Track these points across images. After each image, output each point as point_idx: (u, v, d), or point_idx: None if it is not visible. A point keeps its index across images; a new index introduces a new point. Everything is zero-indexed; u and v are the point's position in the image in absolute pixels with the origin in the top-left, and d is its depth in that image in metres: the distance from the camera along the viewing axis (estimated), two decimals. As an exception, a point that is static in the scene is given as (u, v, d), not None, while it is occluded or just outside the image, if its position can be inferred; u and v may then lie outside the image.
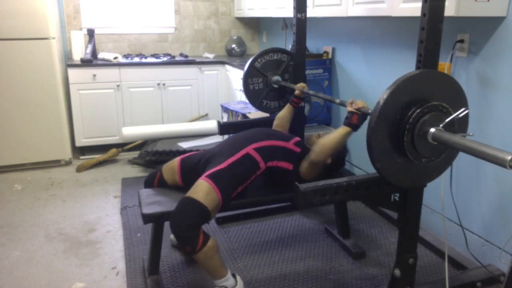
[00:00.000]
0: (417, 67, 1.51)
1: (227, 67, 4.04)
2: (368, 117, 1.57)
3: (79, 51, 3.95)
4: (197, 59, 4.16)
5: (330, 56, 3.23)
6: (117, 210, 2.82)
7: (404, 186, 1.55)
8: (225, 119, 3.46)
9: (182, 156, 2.14)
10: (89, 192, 3.11)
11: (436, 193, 2.26)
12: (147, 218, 1.85)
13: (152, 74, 3.90)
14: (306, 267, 2.15)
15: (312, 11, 2.89)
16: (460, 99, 1.47)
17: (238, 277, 1.87)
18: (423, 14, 1.46)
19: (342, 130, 1.83)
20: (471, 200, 2.16)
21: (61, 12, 4.06)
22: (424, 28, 1.46)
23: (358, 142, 2.12)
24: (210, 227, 2.55)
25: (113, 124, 3.87)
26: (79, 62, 3.76)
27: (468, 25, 2.06)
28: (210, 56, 4.43)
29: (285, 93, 2.71)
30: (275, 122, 2.45)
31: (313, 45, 3.51)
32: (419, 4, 1.49)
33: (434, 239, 2.33)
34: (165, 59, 4.07)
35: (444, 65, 2.12)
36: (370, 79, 2.84)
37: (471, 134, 1.39)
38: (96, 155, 3.76)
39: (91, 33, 4.01)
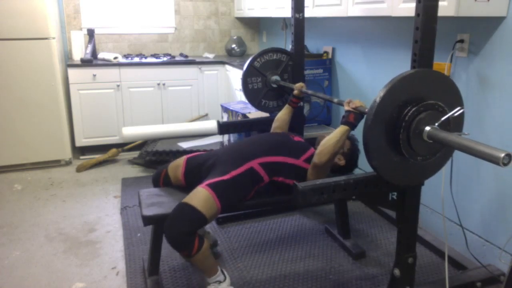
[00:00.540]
0: (412, 67, 1.52)
1: (227, 67, 4.04)
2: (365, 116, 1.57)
3: (79, 51, 3.95)
4: (197, 59, 4.16)
5: (330, 56, 3.23)
6: (117, 210, 2.82)
7: (400, 184, 1.55)
8: (225, 119, 3.46)
9: (189, 155, 2.14)
10: (89, 192, 3.11)
11: (436, 193, 2.26)
12: (147, 220, 1.85)
13: (152, 74, 3.90)
14: (306, 267, 2.15)
15: (312, 11, 2.89)
16: (455, 99, 1.47)
17: (225, 272, 1.90)
18: (417, 14, 1.46)
19: (340, 129, 1.83)
20: (471, 200, 2.16)
21: (61, 12, 4.06)
22: (418, 28, 1.47)
23: (359, 141, 2.12)
24: (210, 227, 2.55)
25: (113, 124, 3.87)
26: (79, 62, 3.76)
27: (468, 25, 2.06)
28: (210, 56, 4.44)
29: (284, 93, 2.72)
30: (274, 124, 2.43)
31: (313, 45, 3.51)
32: (419, 4, 1.49)
33: (434, 239, 2.33)
34: (165, 59, 4.07)
35: (444, 65, 2.12)
36: (370, 79, 2.84)
37: (466, 133, 1.40)
38: (96, 155, 3.77)
39: (91, 33, 4.01)
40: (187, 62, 4.06)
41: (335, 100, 2.10)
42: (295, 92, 2.41)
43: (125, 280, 2.06)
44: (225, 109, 3.43)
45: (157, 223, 1.90)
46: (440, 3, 1.49)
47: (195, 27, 4.62)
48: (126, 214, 2.73)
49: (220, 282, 1.83)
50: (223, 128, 2.63)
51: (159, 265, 2.00)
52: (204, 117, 4.15)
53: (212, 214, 1.77)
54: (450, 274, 1.92)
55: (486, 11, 1.83)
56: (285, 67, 2.70)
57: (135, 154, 3.79)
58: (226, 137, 3.45)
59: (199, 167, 2.01)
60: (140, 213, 1.89)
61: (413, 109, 1.36)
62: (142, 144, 3.78)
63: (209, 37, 4.71)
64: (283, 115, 2.43)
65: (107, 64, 3.77)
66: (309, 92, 2.41)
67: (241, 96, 3.60)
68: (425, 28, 1.46)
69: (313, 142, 2.15)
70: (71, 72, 3.66)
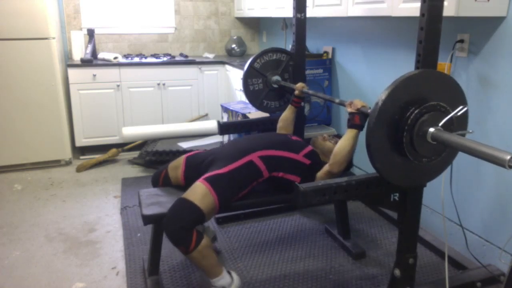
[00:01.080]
0: (416, 67, 1.51)
1: (227, 67, 4.04)
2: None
3: (79, 51, 3.95)
4: (197, 59, 4.16)
5: (330, 56, 3.23)
6: (117, 210, 2.82)
7: (404, 186, 1.55)
8: (225, 119, 3.46)
9: (188, 154, 2.13)
10: (89, 192, 3.11)
11: (436, 193, 2.26)
12: (147, 219, 1.85)
13: (152, 74, 3.90)
14: (306, 267, 2.15)
15: (312, 11, 2.89)
16: (459, 99, 1.47)
17: (234, 274, 1.87)
18: (422, 14, 1.46)
19: (349, 133, 1.82)
20: (471, 200, 2.16)
21: (61, 12, 4.06)
22: (423, 28, 1.46)
23: (358, 142, 2.12)
24: (210, 227, 2.54)
25: (113, 124, 3.87)
26: (79, 62, 3.76)
27: (468, 25, 2.06)
28: (210, 56, 4.44)
29: (285, 93, 2.71)
30: (279, 125, 2.44)
31: (313, 45, 3.51)
32: (419, 4, 1.49)
33: (434, 239, 2.33)
34: (165, 59, 4.07)
35: (444, 65, 2.12)
36: (370, 79, 2.84)
37: (470, 131, 1.39)
38: (96, 155, 3.76)
39: (91, 33, 4.01)
40: (187, 62, 4.06)
41: (337, 100, 2.10)
42: (296, 92, 2.41)
43: (125, 280, 2.06)
44: (225, 109, 3.43)
45: (157, 222, 1.90)
46: (441, 3, 1.49)
47: (195, 27, 4.62)
48: (126, 214, 2.73)
49: (223, 286, 1.80)
50: (223, 128, 2.63)
51: (159, 265, 2.00)
52: (204, 117, 4.15)
53: (209, 208, 1.76)
54: (450, 274, 1.92)
55: (486, 11, 1.83)
56: (285, 66, 2.70)
57: (135, 154, 3.78)
58: (226, 137, 3.44)
59: (199, 165, 2.01)
60: (140, 212, 1.89)
61: (416, 110, 1.35)
62: (142, 144, 3.78)
63: (209, 37, 4.71)
64: (287, 115, 2.44)
65: (107, 64, 3.77)
66: (310, 92, 2.41)
67: (241, 96, 3.60)
68: (430, 28, 1.46)
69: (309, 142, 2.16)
70: (71, 72, 3.66)
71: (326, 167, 1.91)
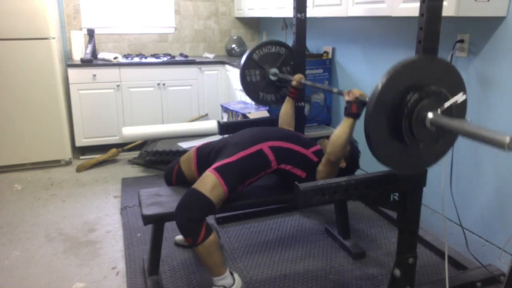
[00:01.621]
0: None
1: (227, 67, 4.04)
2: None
3: (79, 51, 3.95)
4: (197, 59, 4.16)
5: (330, 56, 3.23)
6: (117, 210, 2.82)
7: (403, 172, 1.54)
8: (225, 119, 3.46)
9: (198, 145, 2.15)
10: (89, 192, 3.11)
11: (436, 193, 2.26)
12: (147, 219, 1.85)
13: (152, 74, 3.90)
14: (306, 267, 2.15)
15: (312, 11, 2.89)
16: (459, 86, 1.45)
17: (236, 275, 1.87)
18: (421, 14, 1.46)
19: (346, 122, 1.82)
20: (471, 200, 2.16)
21: (61, 12, 4.06)
22: (422, 28, 1.46)
23: (358, 142, 2.12)
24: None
25: (113, 124, 3.87)
26: (79, 62, 3.76)
27: (468, 25, 2.06)
28: (210, 56, 4.43)
29: (282, 87, 2.70)
30: (280, 120, 2.45)
31: (313, 45, 3.51)
32: (419, 4, 1.49)
33: (434, 239, 2.33)
34: (165, 59, 4.07)
35: (444, 65, 2.12)
36: (370, 79, 2.84)
37: (468, 119, 1.38)
38: (96, 155, 3.77)
39: (91, 33, 4.01)
40: (187, 62, 4.06)
41: (335, 90, 2.10)
42: (294, 83, 2.41)
43: (125, 280, 2.06)
44: (225, 109, 3.43)
45: (157, 222, 1.90)
46: (441, 3, 1.49)
47: (195, 27, 4.62)
48: (126, 214, 2.73)
49: (225, 286, 1.81)
50: (223, 128, 2.63)
51: (159, 265, 2.00)
52: (204, 117, 4.15)
53: (219, 199, 1.78)
54: (450, 274, 1.92)
55: (486, 11, 1.83)
56: (284, 60, 2.69)
57: (135, 154, 3.79)
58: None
59: (208, 154, 2.02)
60: (140, 212, 1.89)
61: (416, 95, 1.34)
62: (142, 144, 3.77)
63: (209, 37, 4.71)
64: (286, 109, 2.44)
65: (107, 64, 3.77)
66: (308, 83, 2.41)
67: (241, 96, 3.60)
68: (429, 28, 1.46)
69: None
70: (71, 72, 3.66)
71: (324, 158, 1.92)
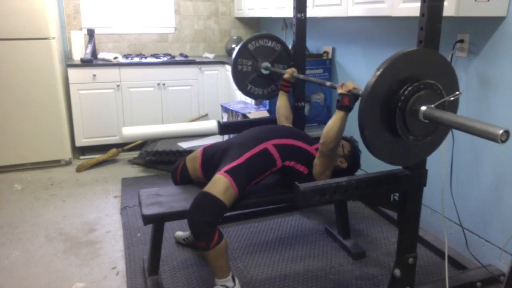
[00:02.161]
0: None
1: (227, 67, 4.04)
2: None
3: (79, 51, 3.95)
4: (197, 59, 4.16)
5: (330, 56, 3.23)
6: (117, 210, 2.82)
7: (397, 165, 1.54)
8: (225, 119, 3.46)
9: (206, 145, 2.17)
10: (89, 192, 3.11)
11: (436, 193, 2.26)
12: (147, 219, 1.85)
13: (152, 74, 3.90)
14: (306, 267, 2.15)
15: (312, 11, 2.89)
16: (453, 83, 1.46)
17: (237, 281, 1.88)
18: (422, 14, 1.46)
19: (337, 114, 1.83)
20: (471, 200, 2.16)
21: (61, 12, 4.06)
22: (423, 28, 1.46)
23: (358, 142, 2.12)
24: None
25: (113, 124, 3.87)
26: (79, 62, 3.76)
27: (468, 25, 2.06)
28: (210, 56, 4.43)
29: (272, 83, 2.69)
30: (278, 114, 2.45)
31: (313, 45, 3.51)
32: (419, 4, 1.49)
33: (434, 239, 2.33)
34: (165, 59, 4.07)
35: (444, 65, 2.12)
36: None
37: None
38: (96, 155, 3.77)
39: (91, 33, 4.01)
40: (187, 62, 4.06)
41: (328, 83, 2.10)
42: (286, 76, 2.42)
43: (125, 280, 2.06)
44: (225, 109, 3.43)
45: (157, 222, 1.90)
46: (441, 3, 1.49)
47: (195, 27, 4.62)
48: (126, 214, 2.73)
49: (227, 287, 1.81)
50: (223, 128, 2.63)
51: (159, 265, 2.01)
52: (204, 117, 4.15)
53: (231, 201, 1.81)
54: (450, 274, 1.92)
55: (486, 11, 1.83)
56: (277, 56, 2.68)
57: (135, 154, 3.78)
58: (226, 137, 3.44)
59: (214, 154, 2.04)
60: (140, 212, 1.89)
61: (410, 87, 1.34)
62: (142, 144, 3.77)
63: (209, 37, 4.71)
64: (281, 103, 2.46)
65: (107, 64, 3.77)
66: (301, 76, 2.41)
67: (241, 96, 3.60)
68: (430, 28, 1.46)
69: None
70: (71, 72, 3.66)
71: (318, 150, 1.94)
